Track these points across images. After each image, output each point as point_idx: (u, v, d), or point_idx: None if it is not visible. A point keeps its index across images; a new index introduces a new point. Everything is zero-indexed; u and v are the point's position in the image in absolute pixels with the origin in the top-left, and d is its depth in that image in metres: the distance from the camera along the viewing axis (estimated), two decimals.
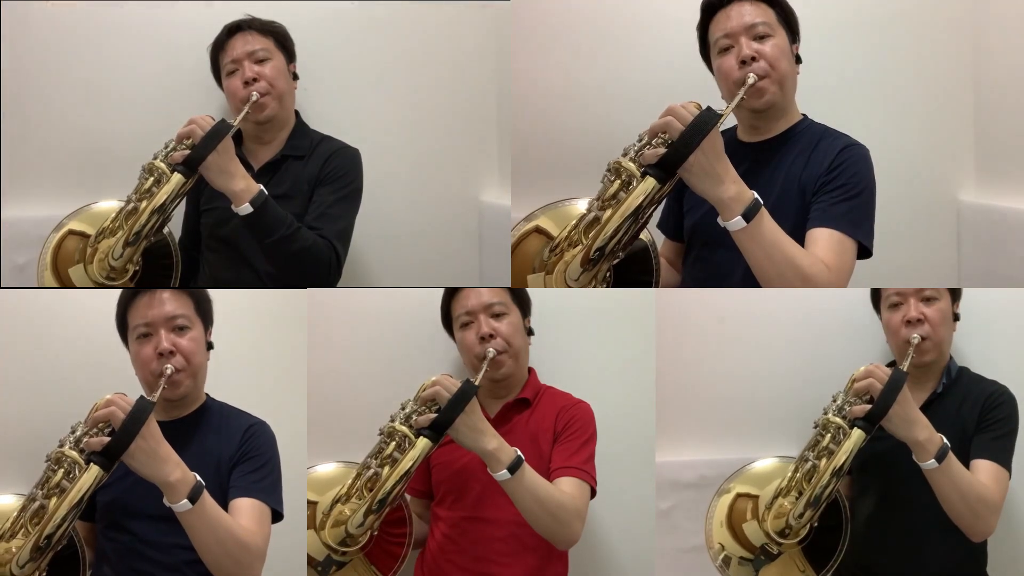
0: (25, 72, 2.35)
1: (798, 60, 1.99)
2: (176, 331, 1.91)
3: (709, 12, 1.99)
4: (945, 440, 1.84)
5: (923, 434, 1.82)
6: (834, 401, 1.87)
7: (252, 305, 2.23)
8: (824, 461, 1.84)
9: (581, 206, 1.98)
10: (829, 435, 1.85)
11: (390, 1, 2.46)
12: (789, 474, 1.91)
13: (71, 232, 2.17)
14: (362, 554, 1.93)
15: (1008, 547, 2.12)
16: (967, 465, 1.92)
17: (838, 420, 1.84)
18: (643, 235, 2.02)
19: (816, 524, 1.90)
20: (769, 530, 1.91)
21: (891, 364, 2.00)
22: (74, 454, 1.72)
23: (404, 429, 1.84)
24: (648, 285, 2.04)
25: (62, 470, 1.73)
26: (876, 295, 2.09)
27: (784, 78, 1.93)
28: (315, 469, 2.04)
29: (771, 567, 1.95)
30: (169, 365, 1.87)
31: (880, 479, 2.03)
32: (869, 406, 1.81)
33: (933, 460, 1.82)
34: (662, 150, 1.73)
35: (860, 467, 2.06)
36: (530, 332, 2.10)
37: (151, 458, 1.72)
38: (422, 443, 1.82)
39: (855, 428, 1.81)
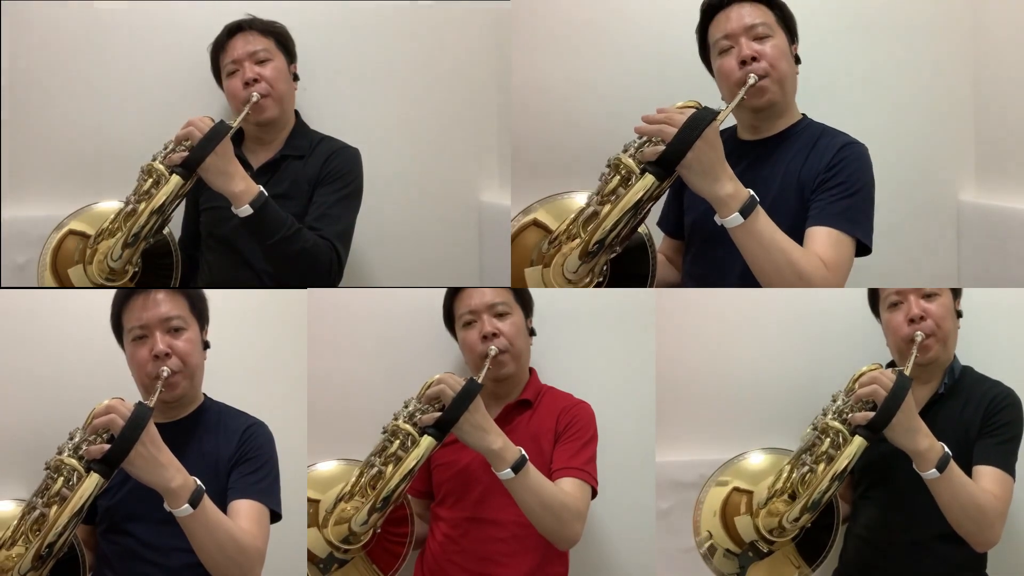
0: (25, 72, 2.35)
1: (797, 60, 2.00)
2: (171, 332, 1.90)
3: (709, 14, 2.01)
4: (947, 449, 1.82)
5: (924, 443, 1.80)
6: (833, 402, 1.85)
7: (252, 305, 2.22)
8: (823, 466, 1.82)
9: (579, 199, 1.99)
10: (828, 440, 1.83)
11: (390, 1, 2.46)
12: (784, 475, 1.89)
13: (71, 232, 2.17)
14: (363, 552, 1.94)
15: (1008, 552, 2.11)
16: (970, 468, 1.90)
17: (837, 425, 1.81)
18: (640, 228, 2.02)
19: (809, 526, 1.89)
20: (761, 527, 1.91)
21: (890, 365, 1.99)
22: (73, 462, 1.72)
23: (408, 427, 1.84)
24: (644, 278, 2.04)
25: (61, 478, 1.72)
26: (874, 297, 2.07)
27: (784, 78, 1.95)
28: (316, 467, 2.04)
29: (761, 564, 1.94)
30: (165, 368, 1.87)
31: (882, 483, 2.01)
32: (871, 413, 1.78)
33: (934, 470, 1.79)
34: (661, 147, 1.74)
35: (862, 469, 2.05)
36: (532, 333, 2.10)
37: (151, 464, 1.72)
38: (426, 441, 1.82)
39: (856, 436, 1.79)
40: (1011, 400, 1.98)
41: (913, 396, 1.98)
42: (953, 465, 1.82)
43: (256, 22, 2.24)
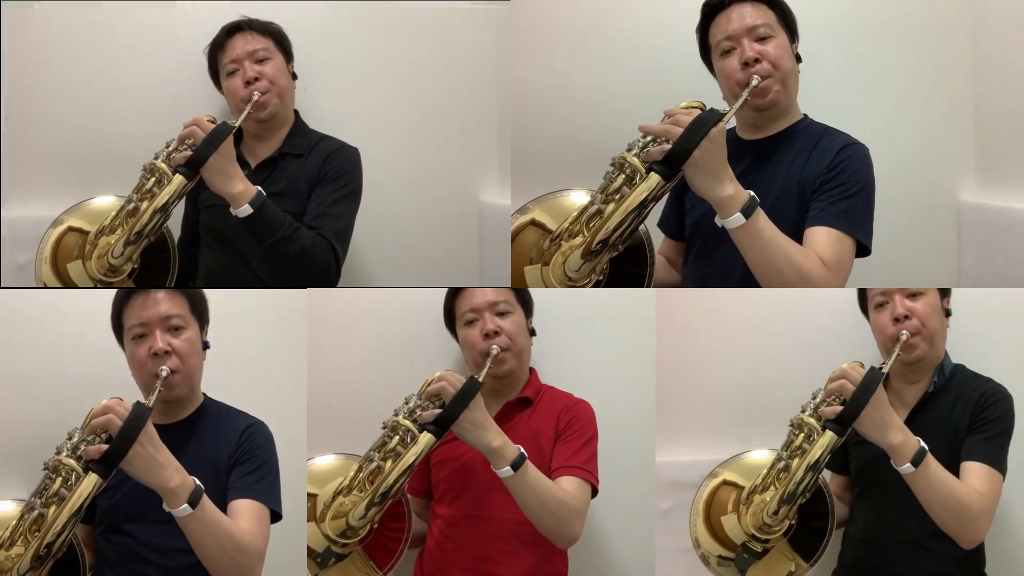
0: (25, 72, 2.35)
1: (798, 59, 2.00)
2: (171, 331, 1.90)
3: (709, 14, 2.01)
4: (923, 443, 1.81)
5: (897, 438, 1.79)
6: (813, 399, 1.85)
7: (252, 305, 2.22)
8: (797, 460, 1.84)
9: (574, 197, 2.00)
10: (803, 435, 1.84)
11: (390, 1, 2.46)
12: (765, 471, 1.90)
13: (70, 228, 2.17)
14: (360, 547, 1.93)
15: (1007, 550, 2.11)
16: (959, 467, 1.90)
17: (811, 421, 1.83)
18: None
19: (794, 521, 1.90)
20: (748, 526, 1.91)
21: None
22: (72, 462, 1.71)
23: (408, 424, 1.84)
24: (642, 276, 2.04)
25: (60, 478, 1.72)
26: (862, 298, 2.07)
27: (787, 76, 1.95)
28: (314, 461, 2.04)
29: (759, 565, 1.94)
30: (164, 367, 1.87)
31: (878, 483, 2.00)
32: (841, 407, 1.79)
33: (909, 464, 1.79)
34: (667, 146, 1.75)
35: (858, 470, 2.06)
36: (532, 333, 2.10)
37: (150, 465, 1.72)
38: (425, 438, 1.83)
39: (827, 430, 1.80)
40: (1000, 396, 1.97)
41: (903, 396, 1.99)
42: (930, 459, 1.81)
43: (254, 22, 2.24)
